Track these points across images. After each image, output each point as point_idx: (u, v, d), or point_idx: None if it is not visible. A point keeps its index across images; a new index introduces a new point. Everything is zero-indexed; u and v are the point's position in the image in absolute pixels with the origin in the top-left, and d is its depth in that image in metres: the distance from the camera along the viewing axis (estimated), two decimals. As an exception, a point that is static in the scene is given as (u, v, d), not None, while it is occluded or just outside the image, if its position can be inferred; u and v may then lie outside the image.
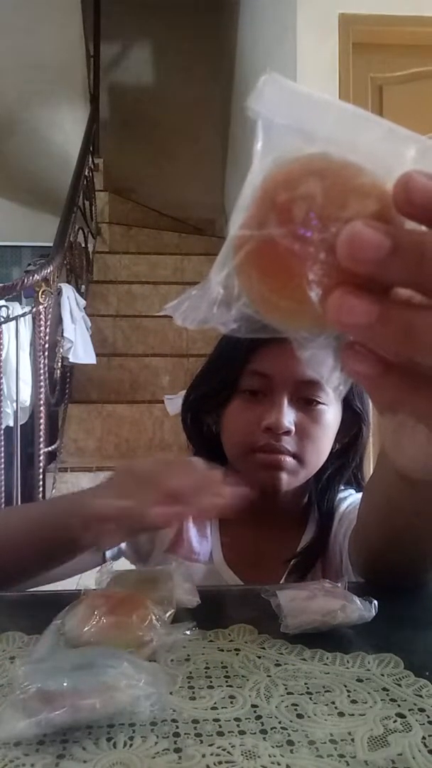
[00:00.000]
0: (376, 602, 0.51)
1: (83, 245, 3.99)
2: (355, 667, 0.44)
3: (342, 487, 0.85)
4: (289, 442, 0.75)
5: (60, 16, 4.23)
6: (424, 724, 0.37)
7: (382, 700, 0.40)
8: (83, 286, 3.85)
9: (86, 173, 4.22)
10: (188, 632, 0.47)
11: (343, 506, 0.83)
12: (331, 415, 0.78)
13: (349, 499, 0.84)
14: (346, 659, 0.45)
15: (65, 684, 0.36)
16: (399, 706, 0.39)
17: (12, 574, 0.64)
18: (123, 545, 0.81)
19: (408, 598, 0.59)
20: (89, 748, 0.35)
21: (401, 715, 0.38)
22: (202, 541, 0.82)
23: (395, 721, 0.37)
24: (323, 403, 0.77)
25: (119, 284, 4.20)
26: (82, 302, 3.47)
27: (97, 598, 0.48)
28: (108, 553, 0.78)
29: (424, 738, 0.36)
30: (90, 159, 4.50)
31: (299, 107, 0.23)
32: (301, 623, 0.49)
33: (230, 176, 5.18)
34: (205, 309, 0.25)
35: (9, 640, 0.48)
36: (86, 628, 0.45)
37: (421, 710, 0.38)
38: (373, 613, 0.50)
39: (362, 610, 0.50)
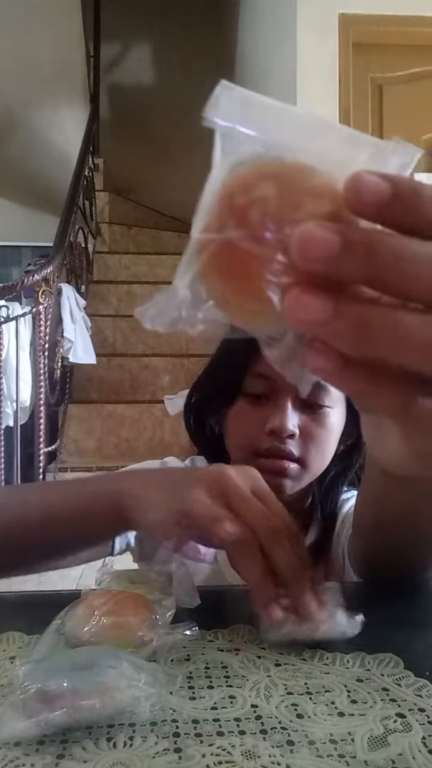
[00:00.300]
0: (362, 616, 0.48)
1: (83, 245, 4.00)
2: (355, 667, 0.44)
3: (345, 489, 0.85)
4: (293, 446, 0.75)
5: (60, 16, 4.23)
6: (424, 724, 0.37)
7: (382, 700, 0.40)
8: (83, 286, 3.85)
9: (86, 173, 4.23)
10: (188, 632, 0.47)
11: (346, 507, 0.83)
12: (335, 417, 0.78)
13: (352, 500, 0.83)
14: (346, 659, 0.45)
15: (65, 684, 0.36)
16: (399, 706, 0.39)
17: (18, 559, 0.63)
18: (132, 539, 0.80)
19: (408, 598, 0.59)
20: (89, 748, 0.35)
21: (401, 715, 0.38)
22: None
23: (395, 721, 0.37)
24: (327, 406, 0.76)
25: (119, 284, 4.21)
26: (82, 302, 3.47)
27: (97, 597, 0.48)
28: (116, 545, 0.77)
29: (424, 738, 0.36)
30: (90, 159, 4.50)
31: (255, 115, 0.24)
32: (280, 636, 0.47)
33: (230, 176, 5.18)
34: (172, 312, 0.25)
35: (9, 640, 0.48)
36: (86, 629, 0.45)
37: (421, 710, 0.38)
38: (358, 629, 0.47)
39: (345, 625, 0.47)
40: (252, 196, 0.23)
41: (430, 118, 2.72)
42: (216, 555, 0.81)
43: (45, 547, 0.64)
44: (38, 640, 0.46)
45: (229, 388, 0.78)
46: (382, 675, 0.43)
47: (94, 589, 0.54)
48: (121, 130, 5.63)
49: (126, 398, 3.46)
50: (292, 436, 0.74)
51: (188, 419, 0.86)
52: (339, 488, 0.84)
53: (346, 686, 0.41)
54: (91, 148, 4.53)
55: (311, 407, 0.75)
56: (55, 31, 4.29)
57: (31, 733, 0.35)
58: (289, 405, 0.74)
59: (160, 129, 5.67)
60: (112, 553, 0.76)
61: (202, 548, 0.81)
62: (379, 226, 0.22)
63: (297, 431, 0.74)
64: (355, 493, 0.85)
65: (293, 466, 0.75)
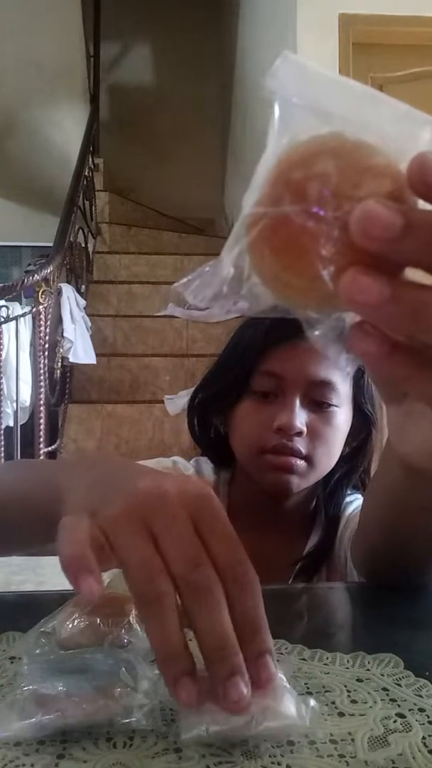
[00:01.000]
0: (315, 704, 0.36)
1: (83, 245, 4.00)
2: (355, 667, 0.44)
3: (349, 492, 0.85)
4: (300, 443, 0.75)
5: (60, 16, 4.23)
6: (424, 724, 0.37)
7: (382, 700, 0.40)
8: (83, 286, 3.85)
9: (86, 173, 4.23)
10: None
11: (349, 510, 0.83)
12: (342, 417, 0.78)
13: (355, 503, 0.84)
14: (346, 659, 0.45)
15: (60, 687, 0.36)
16: (399, 706, 0.39)
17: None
18: None
19: (408, 598, 0.59)
20: (89, 748, 0.35)
21: (401, 715, 0.38)
22: None
23: (395, 721, 0.37)
24: (335, 405, 0.76)
25: (119, 284, 4.21)
26: (82, 302, 3.47)
27: (84, 597, 0.48)
28: None
29: (424, 738, 0.36)
30: (90, 159, 4.50)
31: (314, 87, 0.23)
32: (199, 733, 0.33)
33: (230, 176, 5.18)
34: (215, 286, 0.25)
35: (9, 640, 0.48)
36: (64, 629, 0.45)
37: (421, 710, 0.38)
38: (306, 723, 0.34)
39: (293, 717, 0.34)
40: (311, 170, 0.22)
41: (430, 118, 2.73)
42: None
43: None
44: (21, 637, 0.46)
45: (236, 387, 0.78)
46: (382, 675, 0.43)
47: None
48: (121, 130, 5.63)
49: (126, 398, 3.46)
50: (300, 433, 0.74)
51: (192, 420, 0.85)
52: (344, 490, 0.84)
53: (346, 686, 0.41)
54: (91, 148, 4.54)
55: (319, 406, 0.76)
56: (55, 31, 4.29)
57: (25, 734, 0.35)
58: (297, 403, 0.75)
59: (160, 129, 5.67)
60: None
61: None
62: None
63: (305, 429, 0.75)
64: (358, 496, 0.85)
65: (300, 463, 0.75)
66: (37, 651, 0.44)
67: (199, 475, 0.87)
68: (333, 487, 0.83)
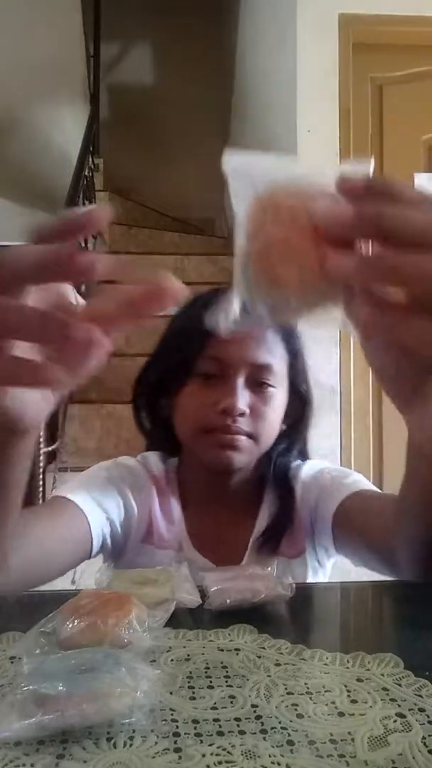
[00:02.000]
0: (293, 584, 0.56)
1: (83, 245, 3.99)
2: (355, 667, 0.44)
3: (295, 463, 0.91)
4: (243, 423, 0.80)
5: (60, 16, 4.23)
6: (424, 724, 0.37)
7: (382, 700, 0.40)
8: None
9: (86, 173, 4.22)
10: (171, 637, 0.47)
11: (302, 474, 0.89)
12: (279, 396, 0.84)
13: (305, 467, 0.90)
14: (346, 659, 0.45)
15: (60, 688, 0.36)
16: (399, 706, 0.39)
17: None
18: (108, 539, 0.81)
19: (408, 598, 0.59)
20: (89, 748, 0.35)
21: (401, 715, 0.38)
22: (170, 528, 0.85)
23: (395, 721, 0.37)
24: (273, 386, 0.82)
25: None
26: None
27: (84, 598, 0.48)
28: (95, 545, 0.78)
29: (424, 738, 0.36)
30: (90, 159, 4.49)
31: (256, 164, 0.34)
32: (223, 601, 0.53)
33: (230, 176, 5.18)
34: (237, 314, 0.34)
35: (9, 640, 0.48)
36: (64, 629, 0.45)
37: (421, 710, 0.38)
38: (290, 593, 0.55)
39: (280, 589, 0.55)
40: (276, 204, 0.32)
41: (430, 118, 2.72)
42: (181, 542, 0.83)
43: None
44: (21, 637, 0.46)
45: (181, 370, 0.83)
46: (382, 675, 0.43)
47: (95, 590, 0.54)
48: (121, 130, 5.62)
49: (126, 398, 3.43)
50: (243, 414, 0.79)
51: (137, 402, 0.92)
52: (288, 462, 0.90)
53: (346, 686, 0.41)
54: (91, 148, 4.53)
55: (259, 386, 0.82)
56: (56, 31, 4.29)
57: (26, 734, 0.35)
58: (240, 385, 0.80)
59: (160, 129, 5.66)
60: (90, 556, 0.77)
61: (165, 535, 0.84)
62: None
63: (247, 410, 0.80)
64: (306, 462, 0.92)
65: (244, 439, 0.80)
66: (37, 651, 0.44)
67: (146, 467, 0.91)
68: (276, 460, 0.88)
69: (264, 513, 0.87)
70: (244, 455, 0.82)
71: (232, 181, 0.34)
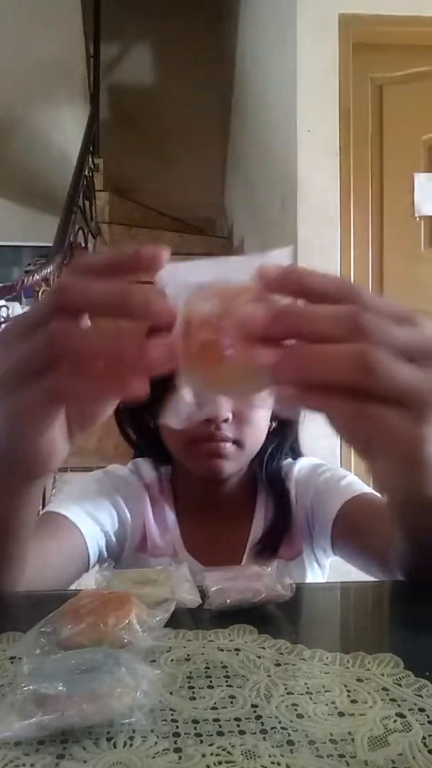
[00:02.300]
0: (294, 584, 0.55)
1: (83, 245, 3.99)
2: (355, 667, 0.44)
3: (286, 460, 0.91)
4: (228, 429, 0.79)
5: (60, 16, 4.22)
6: (424, 724, 0.37)
7: (382, 700, 0.40)
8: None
9: (86, 173, 4.22)
10: (171, 637, 0.47)
11: (294, 473, 0.88)
12: (264, 395, 0.81)
13: (297, 465, 0.90)
14: (346, 659, 0.45)
15: (60, 688, 0.36)
16: (399, 706, 0.39)
17: None
18: (104, 550, 0.81)
19: (408, 598, 0.59)
20: (89, 748, 0.35)
21: (401, 715, 0.38)
22: (164, 537, 0.84)
23: (395, 721, 0.37)
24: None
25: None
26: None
27: (83, 598, 0.48)
28: (92, 558, 0.78)
29: (424, 738, 0.36)
30: (90, 159, 4.49)
31: (186, 272, 0.36)
32: (223, 601, 0.53)
33: (230, 176, 5.18)
34: (187, 412, 0.38)
35: (9, 640, 0.48)
36: (65, 629, 0.45)
37: (421, 710, 0.38)
38: (290, 593, 0.54)
39: (280, 589, 0.54)
40: (203, 309, 0.34)
41: (430, 118, 2.72)
42: (176, 550, 0.83)
43: None
44: (21, 637, 0.46)
45: (161, 380, 0.81)
46: (382, 675, 0.43)
47: (95, 590, 0.54)
48: (121, 130, 5.62)
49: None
50: (226, 420, 0.79)
51: (122, 415, 0.90)
52: (278, 458, 0.89)
53: (346, 686, 0.41)
54: (91, 148, 4.53)
55: None
56: (56, 31, 4.28)
57: (25, 734, 0.35)
58: None
59: (160, 129, 5.66)
60: (87, 570, 0.77)
61: (159, 542, 0.84)
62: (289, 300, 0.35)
63: (230, 415, 0.79)
64: (299, 460, 0.91)
65: (230, 446, 0.80)
66: (37, 651, 0.44)
67: (139, 476, 0.90)
68: (268, 461, 0.88)
69: (259, 516, 0.87)
70: (233, 462, 0.81)
71: (165, 288, 0.36)
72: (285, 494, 0.87)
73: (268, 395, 0.36)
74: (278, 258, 0.36)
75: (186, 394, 0.37)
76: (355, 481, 0.85)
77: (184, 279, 0.36)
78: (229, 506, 0.87)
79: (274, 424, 0.87)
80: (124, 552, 0.84)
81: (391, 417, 0.34)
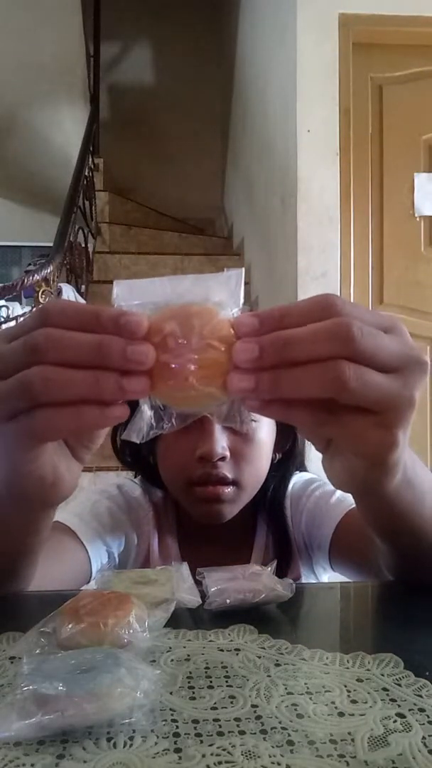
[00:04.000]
0: (293, 584, 0.55)
1: (83, 245, 3.99)
2: (355, 667, 0.44)
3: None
4: (225, 468, 0.75)
5: (60, 16, 4.22)
6: (424, 724, 0.37)
7: (382, 700, 0.40)
8: (83, 286, 3.84)
9: (86, 173, 4.22)
10: (171, 637, 0.47)
11: (289, 488, 0.86)
12: (264, 430, 0.79)
13: (291, 480, 0.87)
14: (346, 659, 0.45)
15: (60, 688, 0.36)
16: (399, 706, 0.39)
17: None
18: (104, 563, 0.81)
19: (408, 598, 0.59)
20: (89, 748, 0.35)
21: (401, 715, 0.38)
22: (167, 561, 0.84)
23: (395, 721, 0.37)
24: (254, 420, 0.76)
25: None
26: (82, 302, 3.46)
27: (83, 598, 0.48)
28: (93, 575, 0.78)
29: (424, 738, 0.36)
30: (90, 159, 4.49)
31: (139, 290, 0.37)
32: (223, 601, 0.53)
33: (230, 176, 5.18)
34: (146, 427, 0.39)
35: (9, 640, 0.48)
36: (64, 629, 0.45)
37: (421, 710, 0.38)
38: (290, 593, 0.54)
39: (280, 590, 0.54)
40: (163, 330, 0.35)
41: (430, 118, 2.72)
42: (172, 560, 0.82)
43: None
44: (21, 637, 0.46)
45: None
46: (382, 675, 0.43)
47: (95, 590, 0.54)
48: (121, 130, 5.62)
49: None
50: (223, 458, 0.75)
51: (121, 448, 0.86)
52: (282, 496, 0.85)
53: (346, 686, 0.41)
54: (91, 148, 4.53)
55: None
56: (56, 31, 4.28)
57: (25, 734, 0.35)
58: (216, 428, 0.75)
59: (160, 129, 5.66)
60: (88, 581, 0.77)
61: (160, 564, 0.83)
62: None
63: (227, 453, 0.75)
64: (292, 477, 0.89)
65: (228, 490, 0.76)
66: (37, 651, 0.44)
67: (147, 494, 0.88)
68: (271, 498, 0.84)
69: (259, 542, 0.85)
70: (233, 506, 0.77)
71: (121, 307, 0.36)
72: (285, 522, 0.84)
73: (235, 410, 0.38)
74: (229, 279, 0.37)
75: (146, 409, 0.38)
76: (343, 496, 0.82)
77: (139, 297, 0.37)
78: (229, 534, 0.84)
79: (278, 456, 0.83)
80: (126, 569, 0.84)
81: (361, 423, 0.36)
